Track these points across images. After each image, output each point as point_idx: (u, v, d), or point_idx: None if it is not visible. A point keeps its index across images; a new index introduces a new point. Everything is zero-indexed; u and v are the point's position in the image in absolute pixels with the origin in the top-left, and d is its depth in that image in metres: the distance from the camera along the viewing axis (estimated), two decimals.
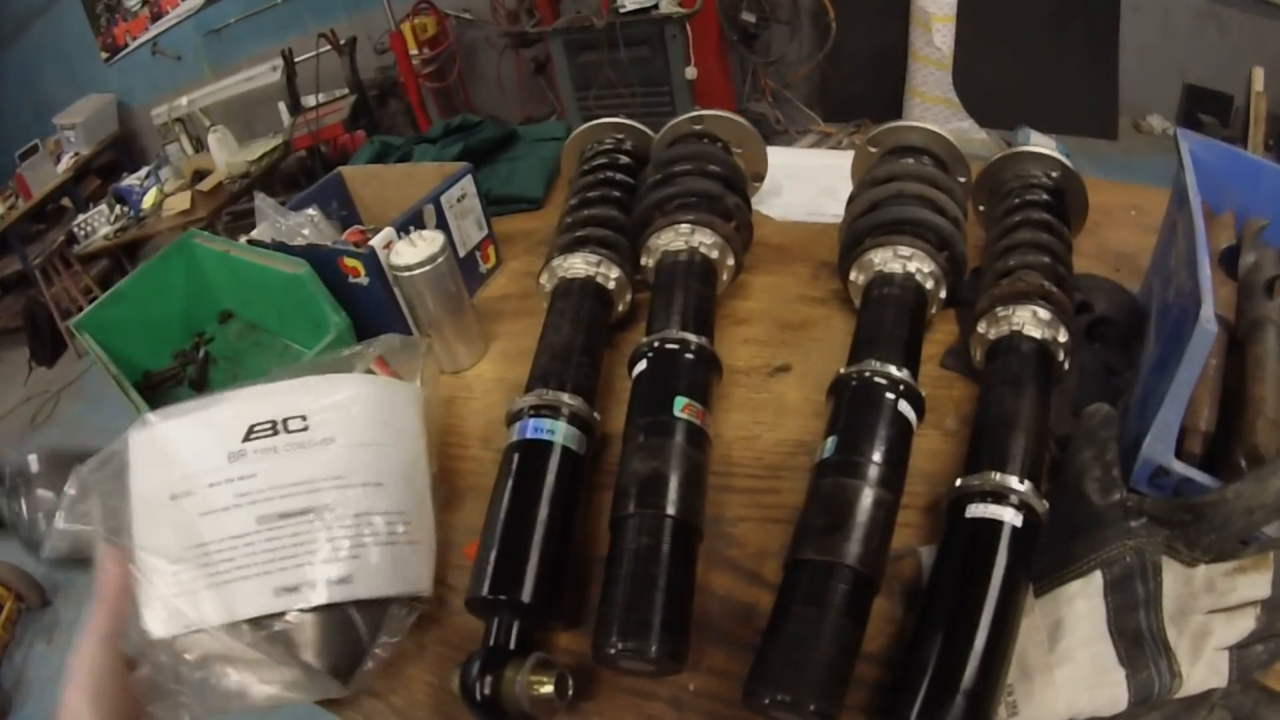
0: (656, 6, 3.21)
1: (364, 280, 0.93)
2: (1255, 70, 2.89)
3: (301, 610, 0.59)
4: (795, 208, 1.09)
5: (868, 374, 0.68)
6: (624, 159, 1.03)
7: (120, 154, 4.72)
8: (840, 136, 3.53)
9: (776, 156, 1.07)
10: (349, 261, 0.92)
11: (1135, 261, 0.87)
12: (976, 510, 0.58)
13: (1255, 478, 0.53)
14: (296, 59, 3.81)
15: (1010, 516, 0.57)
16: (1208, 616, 0.53)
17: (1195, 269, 0.57)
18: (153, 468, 0.62)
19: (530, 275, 1.09)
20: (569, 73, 3.51)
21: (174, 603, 0.58)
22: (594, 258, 0.86)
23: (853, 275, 0.82)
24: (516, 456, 0.70)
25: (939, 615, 0.55)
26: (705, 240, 0.85)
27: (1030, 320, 0.71)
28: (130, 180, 4.01)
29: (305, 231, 1.08)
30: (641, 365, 0.73)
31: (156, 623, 0.57)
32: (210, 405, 0.66)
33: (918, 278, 0.77)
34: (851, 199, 0.89)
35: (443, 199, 1.02)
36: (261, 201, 1.11)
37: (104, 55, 4.68)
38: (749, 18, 3.35)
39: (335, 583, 0.61)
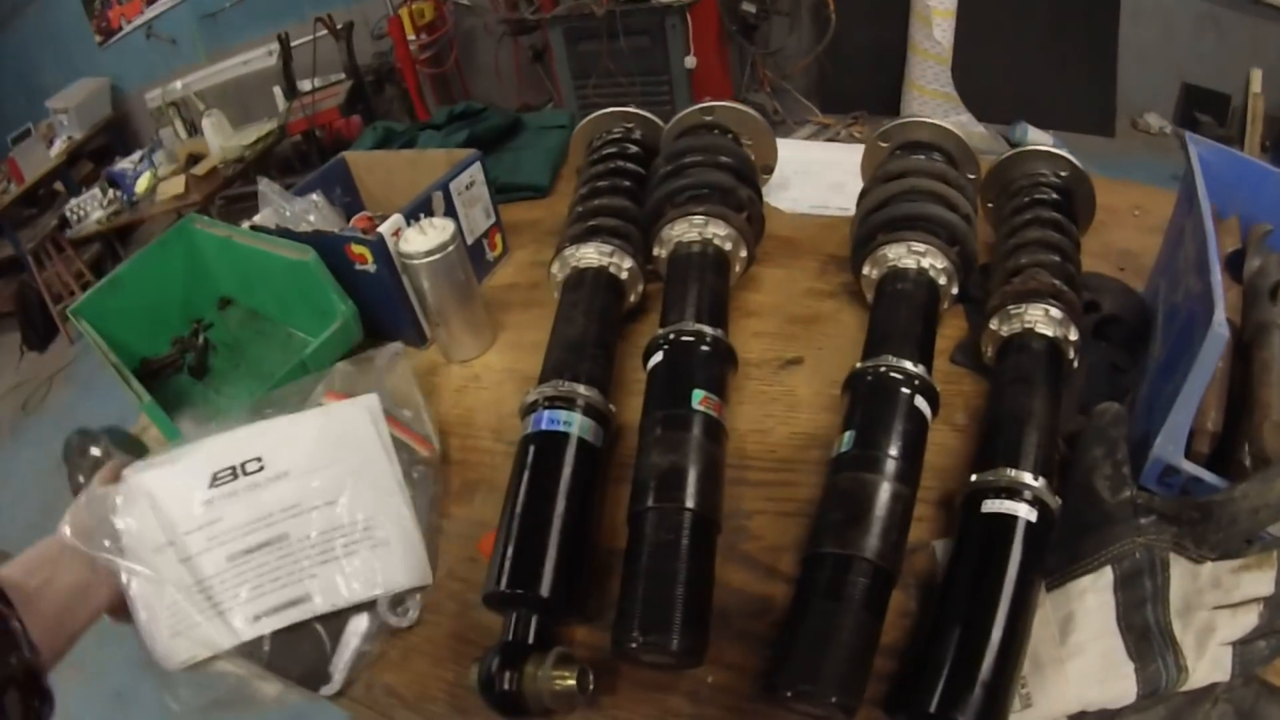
0: None
1: (371, 268, 0.92)
2: (1253, 72, 2.90)
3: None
4: (803, 201, 1.09)
5: (883, 369, 0.68)
6: (633, 148, 1.03)
7: (113, 138, 4.66)
8: (838, 128, 3.52)
9: (784, 150, 1.07)
10: (356, 248, 0.91)
11: (1139, 261, 0.88)
12: (992, 506, 0.59)
13: (1261, 479, 0.55)
14: (293, 43, 3.77)
15: (1025, 512, 0.58)
16: (1213, 612, 0.54)
17: (1206, 273, 0.58)
18: (137, 523, 0.69)
19: (537, 265, 1.08)
20: (567, 61, 3.48)
21: (175, 641, 0.67)
22: (607, 248, 0.86)
23: (866, 270, 0.82)
24: (532, 449, 0.69)
25: (956, 609, 0.56)
26: (719, 232, 0.85)
27: (1042, 319, 0.71)
28: (124, 164, 3.95)
29: (311, 217, 1.07)
30: (658, 357, 0.73)
31: (167, 658, 0.67)
32: (179, 458, 0.73)
33: (931, 273, 0.78)
34: (864, 193, 0.89)
35: (451, 186, 1.00)
36: (265, 186, 1.09)
37: (98, 39, 4.61)
38: (749, 8, 3.33)
39: (296, 604, 0.69)
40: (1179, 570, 0.56)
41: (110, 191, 3.86)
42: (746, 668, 0.60)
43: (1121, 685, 0.53)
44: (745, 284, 0.93)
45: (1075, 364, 0.72)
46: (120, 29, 4.53)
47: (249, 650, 0.68)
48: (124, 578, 0.67)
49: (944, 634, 0.54)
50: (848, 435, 0.65)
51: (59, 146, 4.39)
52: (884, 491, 0.60)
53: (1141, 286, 0.84)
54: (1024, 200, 0.85)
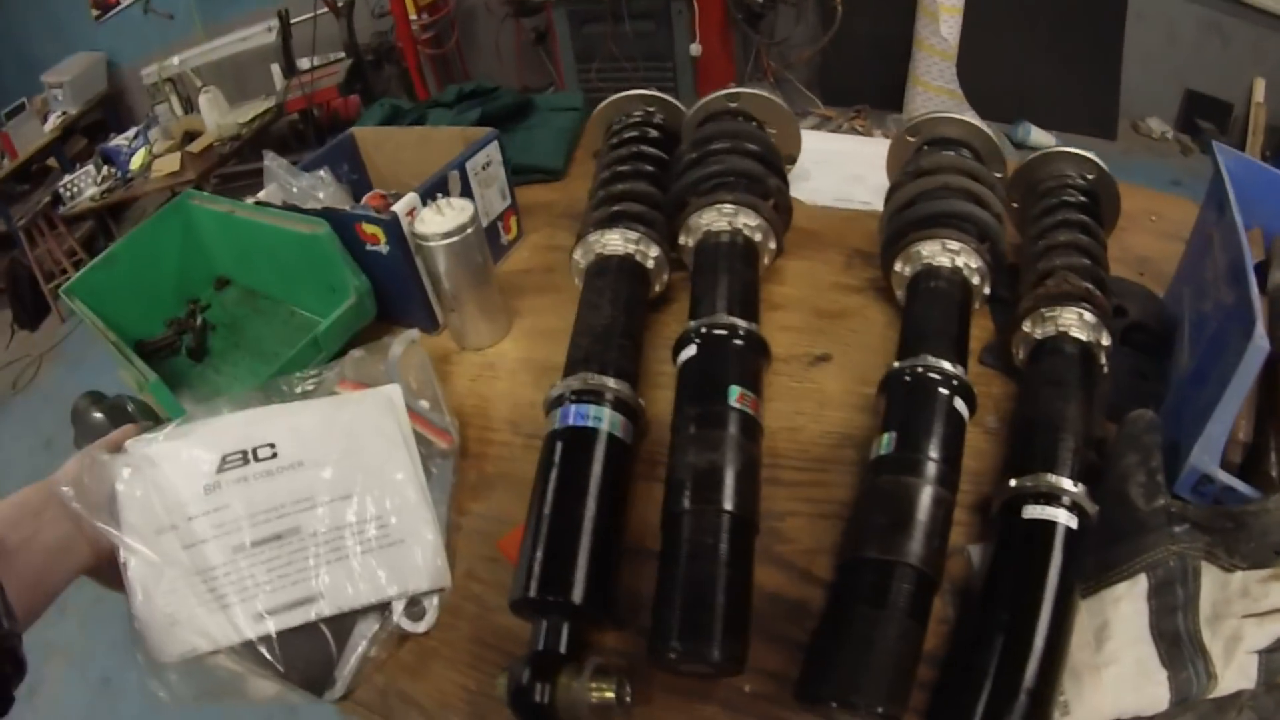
0: None
1: (383, 248, 0.89)
2: (1257, 81, 2.89)
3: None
4: (824, 192, 1.07)
5: (921, 369, 0.66)
6: (654, 132, 1.00)
7: (108, 114, 4.58)
8: (840, 120, 3.51)
9: (805, 141, 1.05)
10: (368, 228, 0.88)
11: (1157, 267, 0.88)
12: (1033, 512, 0.58)
13: None
14: (293, 20, 3.71)
15: (1065, 518, 0.58)
16: (1240, 620, 0.54)
17: (1242, 285, 0.58)
18: (140, 501, 0.65)
19: (552, 249, 1.06)
20: (571, 44, 3.44)
21: (172, 630, 0.62)
22: (633, 234, 0.83)
23: (897, 266, 0.80)
24: (560, 445, 0.66)
25: (998, 616, 0.55)
26: (749, 222, 0.82)
27: (1076, 322, 0.71)
28: (118, 141, 3.89)
29: (320, 194, 1.03)
30: (690, 351, 0.70)
31: (161, 648, 0.62)
32: (189, 433, 0.69)
33: (965, 272, 0.76)
34: (894, 188, 0.87)
35: (468, 165, 0.97)
36: (271, 161, 1.06)
37: (94, 13, 4.53)
38: None
39: (304, 604, 0.64)
40: (1209, 578, 0.56)
41: (104, 168, 3.79)
42: (784, 675, 0.58)
43: (1155, 692, 0.53)
44: (770, 276, 0.91)
45: (1105, 369, 0.71)
46: (118, 3, 4.45)
47: (249, 648, 0.63)
48: (121, 555, 0.62)
49: (986, 642, 0.54)
50: (887, 437, 0.63)
51: (53, 122, 4.31)
52: (926, 495, 0.59)
53: (1161, 292, 0.84)
54: (1053, 202, 0.84)
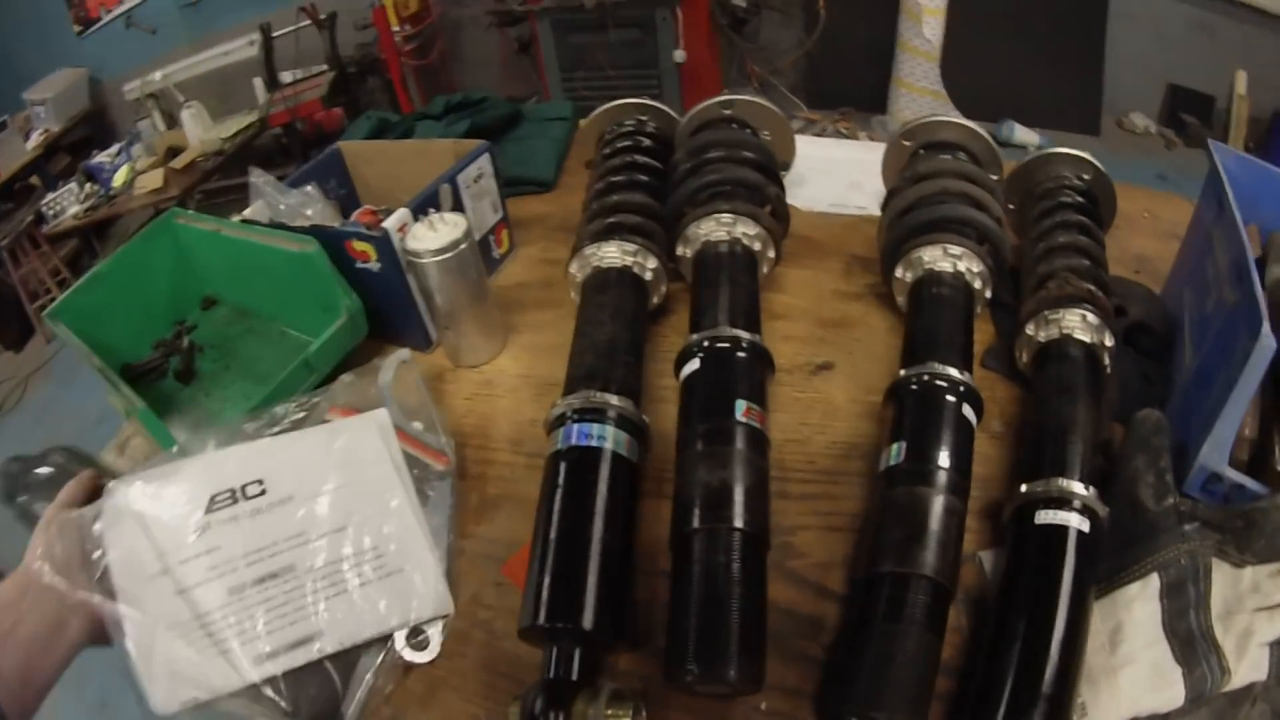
0: None
1: (374, 265, 0.87)
2: (1238, 74, 2.91)
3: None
4: (820, 199, 1.06)
5: (927, 377, 0.66)
6: (647, 141, 0.99)
7: (91, 130, 4.53)
8: (825, 124, 3.52)
9: (800, 147, 1.05)
10: (359, 245, 0.86)
11: (1153, 265, 0.88)
12: (1045, 517, 0.58)
13: None
14: (275, 34, 3.69)
15: (1077, 522, 0.58)
16: (1252, 615, 0.55)
17: (1246, 284, 0.59)
18: (126, 549, 0.62)
19: (546, 262, 1.05)
20: (555, 53, 3.44)
21: (173, 681, 0.60)
22: (630, 246, 0.82)
23: (898, 272, 0.79)
24: (563, 465, 0.65)
25: (1014, 623, 0.55)
26: (748, 231, 0.81)
27: (1080, 324, 0.71)
28: (101, 157, 3.84)
29: (308, 211, 1.00)
30: (694, 365, 0.69)
31: (163, 701, 0.59)
32: (172, 475, 0.66)
33: (967, 277, 0.76)
34: (892, 194, 0.87)
35: (460, 178, 0.95)
36: (257, 178, 1.02)
37: (76, 28, 4.50)
38: (740, 3, 3.31)
39: (304, 643, 0.62)
40: (1220, 575, 0.56)
41: (87, 185, 3.74)
42: (800, 691, 0.57)
43: (1171, 691, 0.53)
44: (769, 284, 0.90)
45: (1109, 370, 0.71)
46: (99, 18, 4.42)
47: (254, 690, 0.61)
48: (111, 612, 0.60)
49: (1004, 649, 0.54)
50: (896, 447, 0.62)
51: (36, 139, 4.26)
52: (939, 505, 0.58)
53: (1158, 291, 0.84)
54: (1051, 204, 0.84)
